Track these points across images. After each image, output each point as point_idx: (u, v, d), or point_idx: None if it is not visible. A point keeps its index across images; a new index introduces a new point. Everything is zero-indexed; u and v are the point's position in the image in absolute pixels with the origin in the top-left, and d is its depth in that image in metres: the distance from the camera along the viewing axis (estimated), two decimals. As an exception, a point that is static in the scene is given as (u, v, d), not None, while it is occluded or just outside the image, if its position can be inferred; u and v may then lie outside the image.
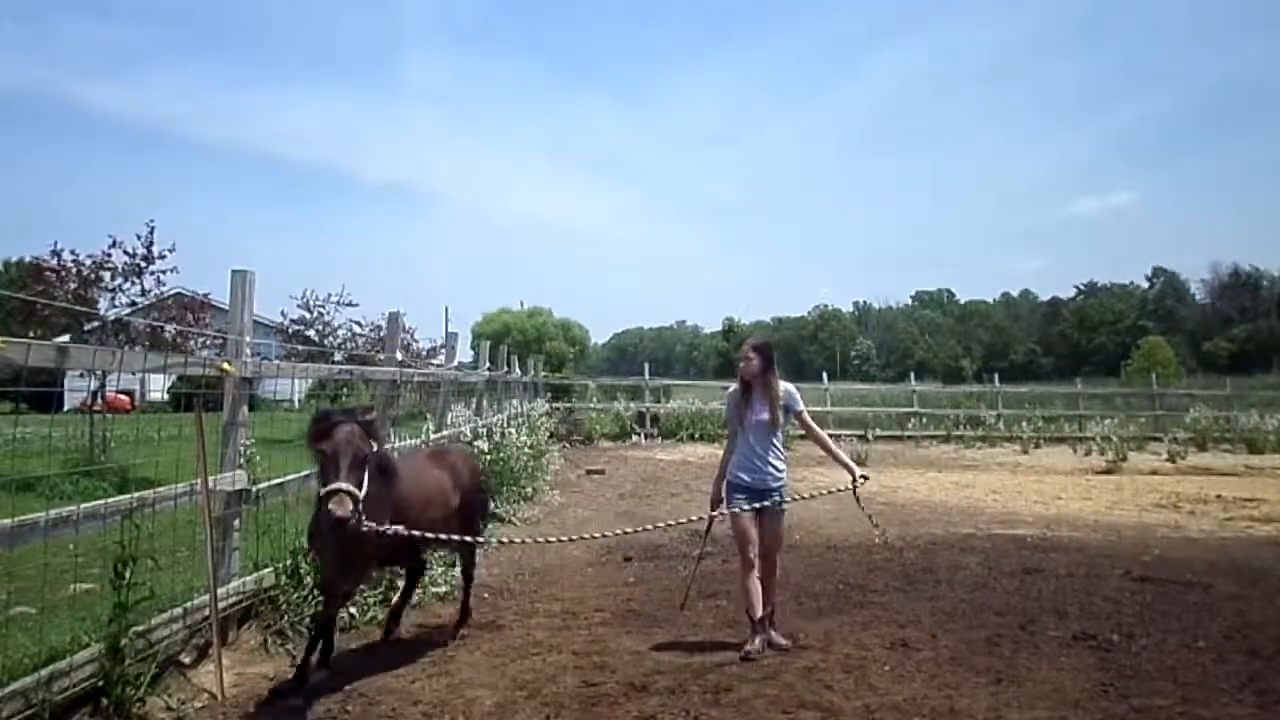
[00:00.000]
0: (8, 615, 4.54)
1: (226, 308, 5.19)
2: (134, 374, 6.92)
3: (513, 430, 12.02)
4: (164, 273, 13.82)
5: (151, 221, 13.65)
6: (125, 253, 13.50)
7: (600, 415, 22.30)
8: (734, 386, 5.35)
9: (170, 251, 13.69)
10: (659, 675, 4.59)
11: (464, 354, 20.36)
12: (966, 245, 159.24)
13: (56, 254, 13.75)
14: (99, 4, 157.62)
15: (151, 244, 13.62)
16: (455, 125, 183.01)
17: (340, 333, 23.92)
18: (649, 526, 6.70)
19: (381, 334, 13.53)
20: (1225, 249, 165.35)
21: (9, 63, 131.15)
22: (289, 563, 5.46)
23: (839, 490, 5.52)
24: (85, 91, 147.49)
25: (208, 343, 12.21)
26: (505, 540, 7.40)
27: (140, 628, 4.03)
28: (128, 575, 3.92)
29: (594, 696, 4.33)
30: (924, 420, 23.77)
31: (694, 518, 5.89)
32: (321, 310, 23.75)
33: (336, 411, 4.36)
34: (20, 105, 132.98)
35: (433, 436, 8.75)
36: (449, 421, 10.20)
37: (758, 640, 4.91)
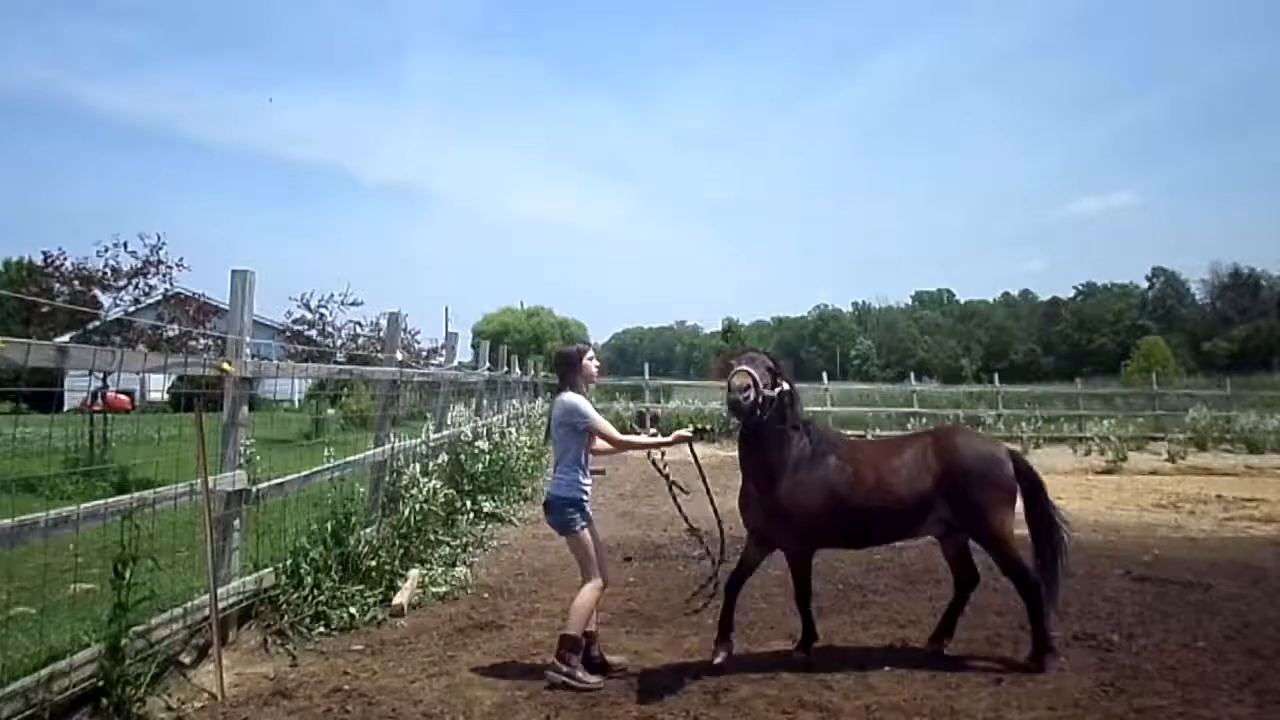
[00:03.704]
0: (8, 615, 4.54)
1: (226, 308, 5.20)
2: (135, 374, 6.92)
3: (512, 430, 12.03)
4: (173, 271, 13.83)
5: (159, 235, 13.68)
6: (130, 253, 13.51)
7: (600, 415, 22.29)
8: (570, 393, 4.91)
9: (161, 250, 13.65)
10: (659, 675, 4.60)
11: (464, 354, 20.40)
12: (966, 245, 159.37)
13: (52, 259, 13.77)
14: (101, 4, 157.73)
15: (157, 249, 13.62)
16: (456, 126, 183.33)
17: (343, 333, 23.87)
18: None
19: (382, 334, 13.53)
20: (1225, 249, 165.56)
21: (10, 62, 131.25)
22: (289, 563, 5.47)
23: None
24: (86, 91, 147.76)
25: (209, 344, 12.21)
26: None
27: (140, 628, 4.04)
28: (128, 575, 3.92)
29: (594, 696, 4.33)
30: (924, 420, 23.70)
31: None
32: (323, 311, 23.71)
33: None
34: (21, 104, 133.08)
35: (433, 436, 8.76)
36: (449, 421, 10.21)
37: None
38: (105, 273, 13.45)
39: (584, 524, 4.76)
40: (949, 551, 5.13)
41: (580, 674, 4.48)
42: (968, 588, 5.09)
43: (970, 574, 5.10)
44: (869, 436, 21.46)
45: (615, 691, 4.38)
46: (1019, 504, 4.90)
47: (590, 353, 5.10)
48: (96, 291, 13.51)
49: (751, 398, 4.38)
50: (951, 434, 5.15)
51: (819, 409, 24.31)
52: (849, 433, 22.21)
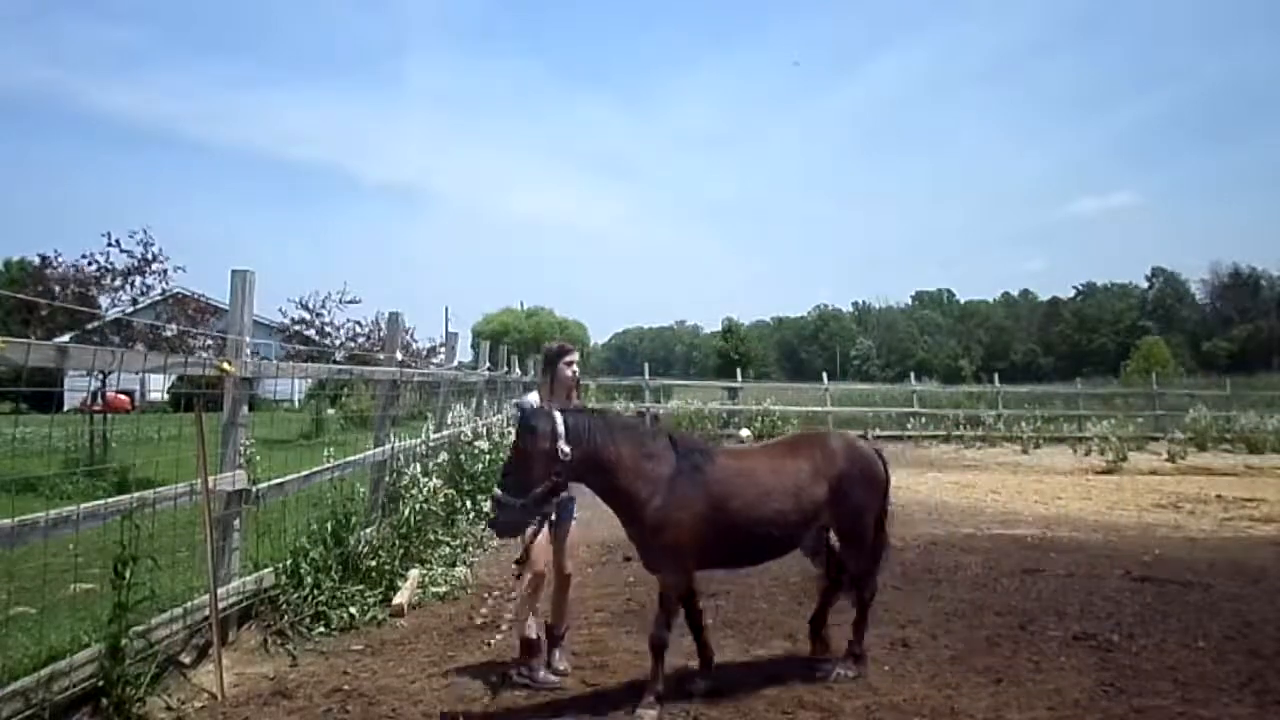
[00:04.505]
0: (8, 615, 4.53)
1: (225, 307, 5.19)
2: (135, 374, 6.91)
3: (513, 430, 12.01)
4: (168, 270, 13.78)
5: (147, 230, 13.61)
6: (124, 252, 13.47)
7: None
8: (533, 394, 4.90)
9: (153, 247, 13.58)
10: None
11: (464, 354, 20.41)
12: (966, 245, 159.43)
13: (50, 261, 13.77)
14: (101, 4, 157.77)
15: (149, 245, 13.58)
16: (456, 126, 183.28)
17: (341, 333, 23.81)
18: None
19: (381, 333, 13.53)
20: (1225, 249, 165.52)
21: (10, 62, 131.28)
22: (289, 563, 5.46)
23: None
24: (87, 91, 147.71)
25: (209, 344, 12.19)
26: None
27: (140, 628, 4.04)
28: (128, 575, 3.92)
29: (594, 696, 4.33)
30: (924, 420, 23.76)
31: None
32: (321, 312, 23.65)
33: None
34: (21, 105, 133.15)
35: (433, 436, 8.75)
36: (449, 421, 10.21)
37: (536, 663, 4.60)
38: (100, 274, 13.42)
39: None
40: (820, 558, 4.81)
41: (540, 674, 4.52)
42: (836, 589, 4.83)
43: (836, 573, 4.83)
44: (869, 437, 21.52)
45: (617, 691, 4.38)
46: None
47: (570, 356, 4.82)
48: (94, 292, 13.48)
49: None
50: (831, 438, 4.81)
51: (819, 409, 24.33)
52: (850, 433, 22.32)
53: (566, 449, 3.90)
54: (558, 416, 3.98)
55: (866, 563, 4.67)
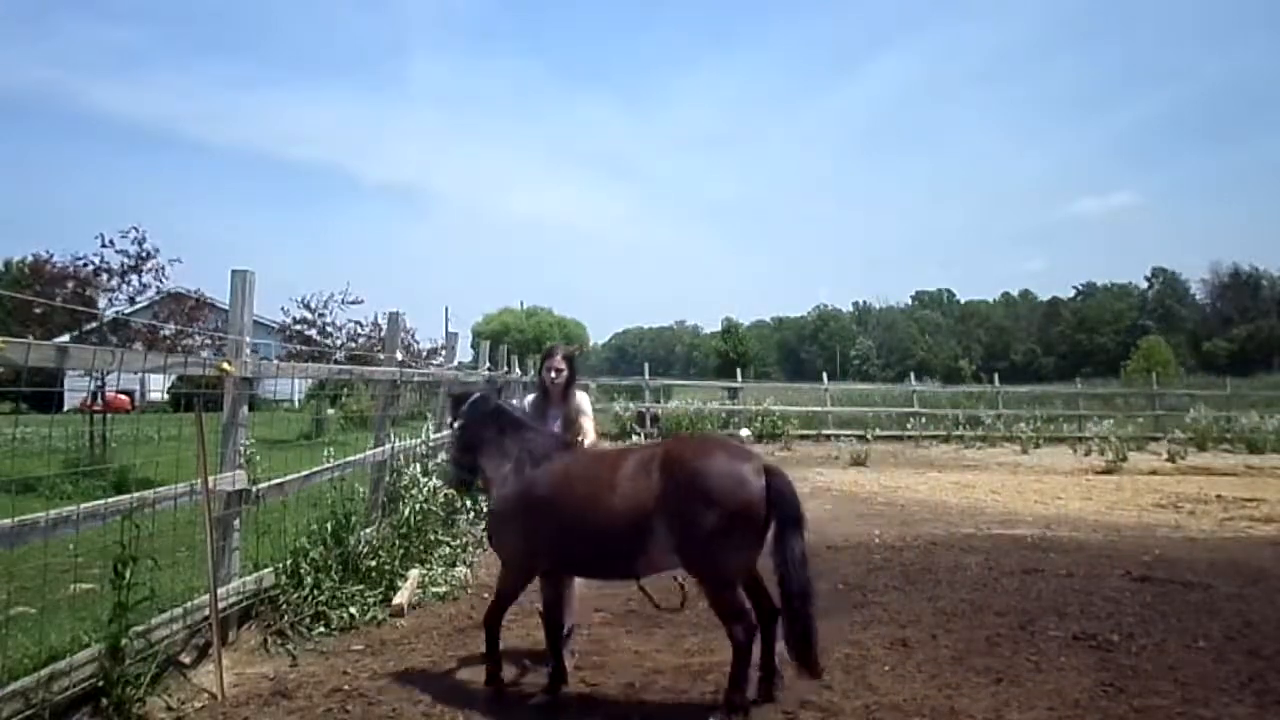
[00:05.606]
0: (8, 615, 4.53)
1: (222, 304, 5.19)
2: (134, 374, 6.91)
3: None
4: (165, 266, 13.76)
5: (138, 228, 13.57)
6: (119, 251, 13.46)
7: (600, 415, 22.29)
8: (533, 395, 5.25)
9: (152, 254, 13.55)
10: (659, 675, 4.59)
11: (464, 354, 20.43)
12: (966, 245, 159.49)
13: (47, 259, 13.79)
14: (101, 4, 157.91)
15: (144, 242, 13.56)
16: (456, 125, 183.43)
17: (342, 333, 23.87)
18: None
19: (382, 333, 13.53)
20: (1225, 249, 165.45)
21: (10, 62, 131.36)
22: (289, 563, 5.46)
23: None
24: (87, 91, 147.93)
25: (208, 342, 12.19)
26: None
27: (140, 628, 4.04)
28: (128, 575, 3.92)
29: (594, 696, 4.33)
30: (924, 420, 23.75)
31: None
32: (323, 312, 23.70)
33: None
34: (21, 105, 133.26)
35: (433, 436, 8.75)
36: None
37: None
38: (96, 273, 13.41)
39: None
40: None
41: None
42: (770, 619, 4.10)
43: (766, 601, 4.13)
44: (869, 437, 21.50)
45: (616, 692, 4.38)
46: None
47: (549, 360, 4.99)
48: (91, 292, 13.48)
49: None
50: (684, 443, 4.23)
51: (819, 409, 24.32)
52: (848, 433, 22.32)
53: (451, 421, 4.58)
54: (469, 397, 4.72)
55: (725, 607, 3.87)
